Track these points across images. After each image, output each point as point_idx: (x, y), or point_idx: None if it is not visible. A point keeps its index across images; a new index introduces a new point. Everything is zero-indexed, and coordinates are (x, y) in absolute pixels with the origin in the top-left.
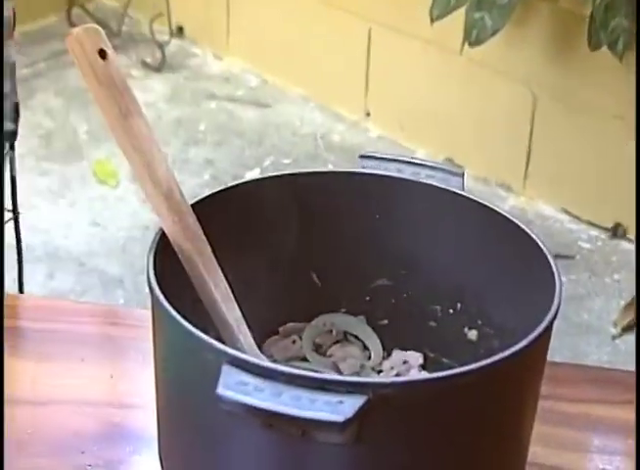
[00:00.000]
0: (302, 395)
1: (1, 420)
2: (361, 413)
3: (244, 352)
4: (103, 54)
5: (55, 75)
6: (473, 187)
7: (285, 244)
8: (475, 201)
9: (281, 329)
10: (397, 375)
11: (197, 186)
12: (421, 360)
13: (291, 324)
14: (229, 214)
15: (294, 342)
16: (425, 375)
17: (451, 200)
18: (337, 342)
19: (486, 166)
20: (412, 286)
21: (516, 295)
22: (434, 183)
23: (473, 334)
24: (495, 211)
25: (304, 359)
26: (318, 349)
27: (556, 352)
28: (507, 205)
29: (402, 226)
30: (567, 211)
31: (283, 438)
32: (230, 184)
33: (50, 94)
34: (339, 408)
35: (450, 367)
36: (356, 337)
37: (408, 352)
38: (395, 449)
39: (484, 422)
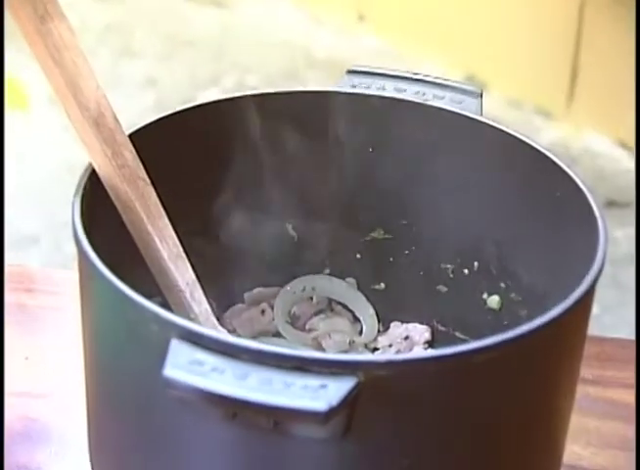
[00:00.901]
0: (274, 377)
1: (1, 417)
2: (349, 401)
3: (198, 323)
4: None
5: None
6: (501, 114)
7: (250, 186)
8: (497, 129)
9: (246, 295)
10: (397, 354)
11: (135, 112)
12: (427, 335)
13: (259, 289)
14: (178, 148)
15: (263, 312)
16: (431, 352)
17: (466, 127)
18: (319, 312)
19: (519, 86)
20: (416, 239)
21: (549, 250)
22: (444, 106)
23: (493, 301)
24: (524, 143)
25: (277, 335)
26: (295, 321)
27: (607, 329)
28: (545, 136)
29: (403, 162)
30: (624, 145)
31: (250, 432)
32: (178, 108)
33: None
34: (321, 394)
35: (465, 343)
36: (344, 306)
37: (411, 325)
38: (393, 446)
39: (508, 412)
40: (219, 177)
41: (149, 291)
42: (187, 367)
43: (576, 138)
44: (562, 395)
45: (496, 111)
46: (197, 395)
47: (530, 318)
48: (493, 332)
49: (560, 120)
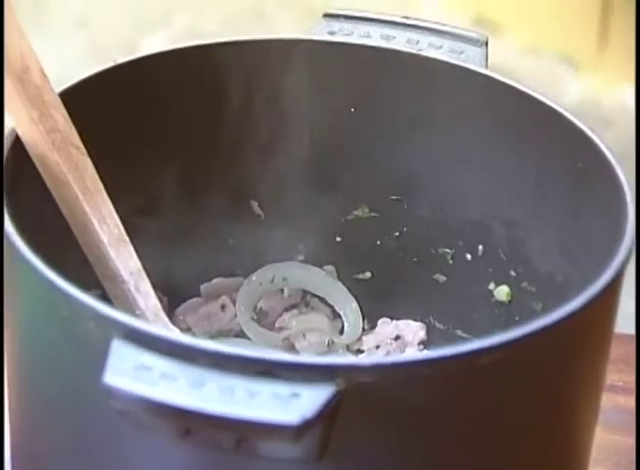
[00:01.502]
0: (237, 385)
1: (1, 418)
2: (327, 413)
3: (145, 320)
4: None
5: None
6: (516, 64)
7: (206, 154)
8: (506, 84)
9: (203, 287)
10: (386, 356)
11: (62, 64)
12: (422, 334)
13: (218, 280)
14: (118, 110)
15: (223, 307)
16: (427, 354)
17: (468, 83)
18: (291, 307)
19: (539, 30)
20: (408, 218)
21: (569, 231)
22: (442, 57)
23: (502, 292)
24: (540, 102)
25: (240, 334)
26: (262, 318)
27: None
28: (571, 91)
29: (392, 125)
30: None
31: (206, 452)
32: (119, 61)
33: None
34: (292, 405)
35: (467, 343)
36: (321, 299)
37: (402, 323)
38: (380, 469)
39: (518, 426)
40: (168, 145)
41: (86, 282)
42: (131, 373)
43: (609, 93)
44: (584, 405)
45: (511, 61)
46: (143, 406)
47: (546, 312)
48: (501, 329)
49: (589, 71)
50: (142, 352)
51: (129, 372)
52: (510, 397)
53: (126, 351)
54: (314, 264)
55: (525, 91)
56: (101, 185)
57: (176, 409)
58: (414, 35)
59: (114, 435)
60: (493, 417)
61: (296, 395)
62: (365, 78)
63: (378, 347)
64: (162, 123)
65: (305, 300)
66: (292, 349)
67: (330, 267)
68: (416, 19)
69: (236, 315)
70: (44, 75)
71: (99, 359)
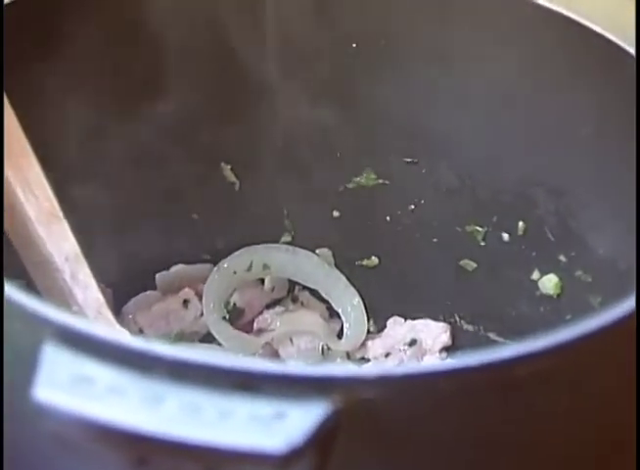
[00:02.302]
0: (204, 402)
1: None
2: (321, 438)
3: (85, 318)
4: None
5: None
6: None
7: (163, 101)
8: (555, 12)
9: (160, 277)
10: (398, 367)
11: None
12: (445, 338)
13: (179, 268)
14: (47, 43)
15: (185, 303)
16: (451, 364)
17: (505, 9)
18: (274, 303)
19: None
20: (426, 186)
21: (637, 203)
22: None
23: (549, 282)
24: (598, 35)
25: (208, 337)
26: (237, 317)
27: None
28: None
29: (403, 64)
30: None
31: None
32: None
33: None
34: (277, 428)
35: (502, 348)
36: (314, 293)
37: (420, 323)
38: None
39: (563, 453)
40: (113, 87)
41: (10, 269)
42: (68, 386)
43: None
44: None
45: None
46: (84, 428)
47: (606, 308)
48: (548, 331)
49: None
50: (81, 360)
51: (65, 385)
52: (555, 418)
53: (61, 358)
54: (304, 247)
55: (583, 22)
56: (28, 146)
57: (127, 433)
58: None
59: (48, 463)
60: (532, 441)
61: (280, 415)
62: (367, 4)
63: (387, 354)
64: (107, 60)
65: (293, 293)
66: (275, 356)
67: (325, 251)
68: None
69: (202, 313)
70: None
71: (27, 369)
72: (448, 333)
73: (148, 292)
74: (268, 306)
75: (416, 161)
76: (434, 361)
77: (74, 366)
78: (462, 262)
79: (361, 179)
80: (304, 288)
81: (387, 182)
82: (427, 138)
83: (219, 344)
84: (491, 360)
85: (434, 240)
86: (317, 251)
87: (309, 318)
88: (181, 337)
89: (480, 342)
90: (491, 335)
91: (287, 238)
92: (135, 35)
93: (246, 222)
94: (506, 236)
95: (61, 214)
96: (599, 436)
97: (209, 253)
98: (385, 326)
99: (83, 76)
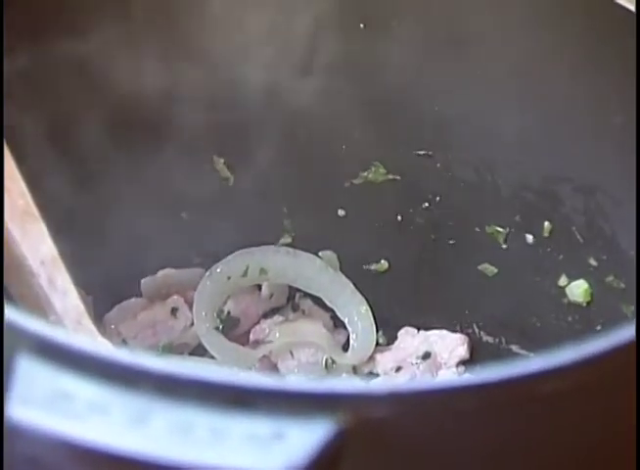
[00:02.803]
0: (196, 420)
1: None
2: (325, 460)
3: (63, 329)
4: None
5: None
6: None
7: (150, 85)
8: None
9: (145, 282)
10: (410, 382)
11: None
12: (463, 351)
13: (167, 272)
14: (33, 33)
15: (174, 312)
16: (469, 379)
17: None
18: (273, 312)
19: None
20: (442, 182)
21: None
22: None
23: (578, 289)
24: (621, 11)
25: (199, 349)
26: (231, 327)
27: None
28: None
29: (417, 46)
30: None
31: None
32: None
33: None
34: (276, 449)
35: (526, 362)
36: (317, 300)
37: (434, 334)
38: None
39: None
40: (102, 83)
41: None
42: (45, 403)
43: None
44: None
45: None
46: (63, 450)
47: None
48: (576, 343)
49: None
50: (60, 375)
51: (42, 402)
52: (582, 436)
53: (38, 372)
54: (306, 250)
55: (613, 1)
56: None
57: (110, 455)
58: None
59: None
60: (555, 463)
61: (279, 435)
62: None
63: (399, 368)
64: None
65: (293, 301)
66: (273, 370)
67: (329, 254)
68: None
69: (193, 323)
70: None
71: (0, 384)
72: (466, 345)
73: (132, 299)
74: (266, 316)
75: (430, 153)
76: (449, 376)
77: (52, 381)
78: (481, 267)
79: (369, 174)
80: (306, 295)
81: (397, 177)
82: (442, 129)
83: (212, 357)
84: (513, 376)
85: (451, 242)
86: (320, 253)
87: (311, 328)
88: (169, 349)
89: (500, 355)
90: (513, 347)
91: (287, 239)
92: None
93: (241, 222)
94: (530, 238)
95: (37, 213)
96: (629, 453)
97: (200, 256)
98: (395, 337)
99: None
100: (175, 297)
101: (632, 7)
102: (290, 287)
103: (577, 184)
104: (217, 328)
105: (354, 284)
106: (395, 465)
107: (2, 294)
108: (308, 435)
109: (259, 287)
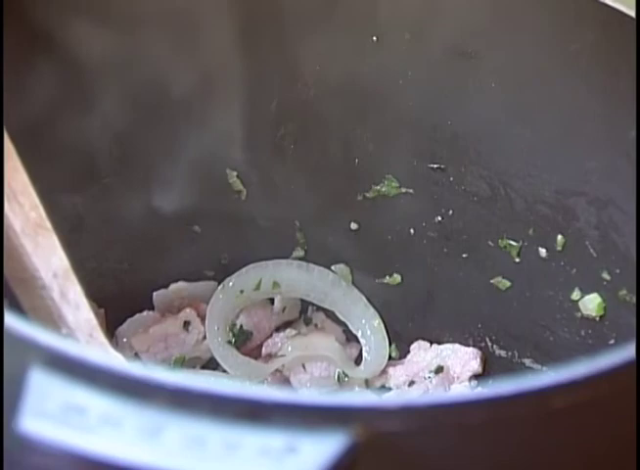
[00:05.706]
0: (209, 434)
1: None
2: None
3: (76, 342)
4: None
5: None
6: None
7: (157, 99)
8: (594, 2)
9: (157, 296)
10: (423, 396)
11: None
12: (476, 365)
13: (179, 286)
14: (33, 31)
15: (186, 325)
16: (482, 393)
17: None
18: (285, 325)
19: None
20: (455, 195)
21: None
22: None
23: (591, 303)
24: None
25: (211, 363)
26: (243, 341)
27: None
28: None
29: (430, 57)
30: None
31: None
32: None
33: None
34: (289, 463)
35: (539, 376)
36: (330, 314)
37: (447, 347)
38: None
39: None
40: (104, 85)
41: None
42: (58, 416)
43: None
44: None
45: None
46: (75, 463)
47: None
48: (589, 357)
49: None
50: (72, 388)
51: (54, 415)
52: (596, 449)
53: (50, 385)
54: (319, 263)
55: (627, 12)
56: (13, 150)
57: (122, 468)
58: None
59: None
60: None
61: (292, 449)
62: None
63: (411, 382)
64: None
65: (305, 315)
66: (286, 384)
67: (342, 267)
68: None
69: (205, 337)
70: None
71: (13, 397)
72: (479, 359)
73: (144, 312)
74: (278, 329)
75: (443, 167)
76: (462, 391)
77: (64, 394)
78: (494, 281)
79: (382, 188)
80: (319, 308)
81: (410, 191)
82: (455, 142)
83: (224, 370)
84: (527, 390)
85: (464, 255)
86: (333, 267)
87: (324, 342)
88: (181, 362)
89: (514, 369)
90: (527, 361)
91: (299, 253)
92: None
93: (253, 236)
94: (543, 251)
95: (49, 225)
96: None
97: (213, 269)
98: (408, 351)
99: None
100: (188, 310)
101: None
102: (302, 300)
103: (591, 198)
104: (230, 342)
105: (367, 298)
106: None
107: (2, 297)
108: (321, 448)
109: (272, 301)
